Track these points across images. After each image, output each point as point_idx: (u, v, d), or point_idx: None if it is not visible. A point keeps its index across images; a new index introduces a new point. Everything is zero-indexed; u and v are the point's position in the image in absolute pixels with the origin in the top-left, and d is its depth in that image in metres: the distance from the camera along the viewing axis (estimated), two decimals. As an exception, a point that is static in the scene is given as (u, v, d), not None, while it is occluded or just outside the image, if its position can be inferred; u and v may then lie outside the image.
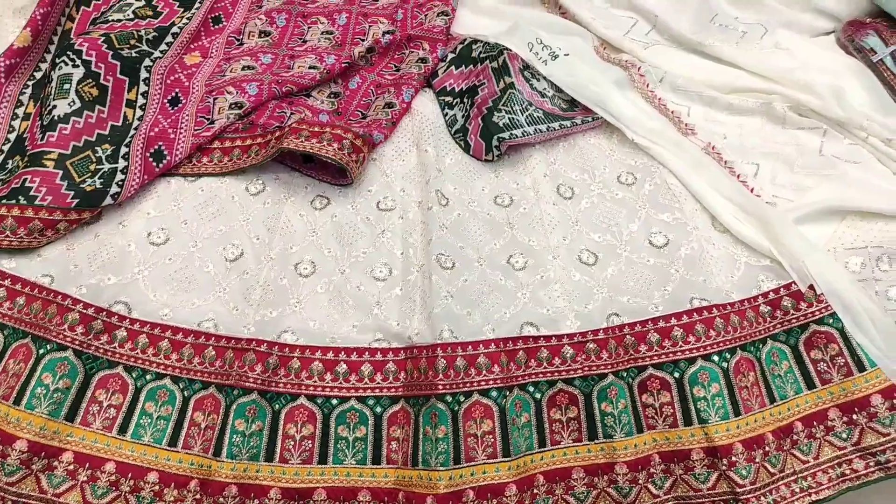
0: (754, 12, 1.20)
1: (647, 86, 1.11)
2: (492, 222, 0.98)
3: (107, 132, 1.00)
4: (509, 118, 1.02)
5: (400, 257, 0.95)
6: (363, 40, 1.17)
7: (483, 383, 0.84)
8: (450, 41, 1.17)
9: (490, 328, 0.87)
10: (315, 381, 0.85)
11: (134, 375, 0.85)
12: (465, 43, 1.15)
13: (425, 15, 1.18)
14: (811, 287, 0.92)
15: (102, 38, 1.04)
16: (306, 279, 0.93)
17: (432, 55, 1.13)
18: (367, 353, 0.87)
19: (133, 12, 1.14)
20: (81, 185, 0.93)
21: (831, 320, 0.90)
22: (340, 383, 0.85)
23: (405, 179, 1.02)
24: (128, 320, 0.88)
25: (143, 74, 1.04)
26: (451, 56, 1.14)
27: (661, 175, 1.04)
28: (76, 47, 1.01)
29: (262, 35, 1.18)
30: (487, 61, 1.09)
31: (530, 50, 1.10)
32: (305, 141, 0.96)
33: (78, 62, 1.00)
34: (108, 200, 0.93)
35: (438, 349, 0.84)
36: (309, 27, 1.19)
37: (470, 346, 0.85)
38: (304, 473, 0.82)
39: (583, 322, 0.89)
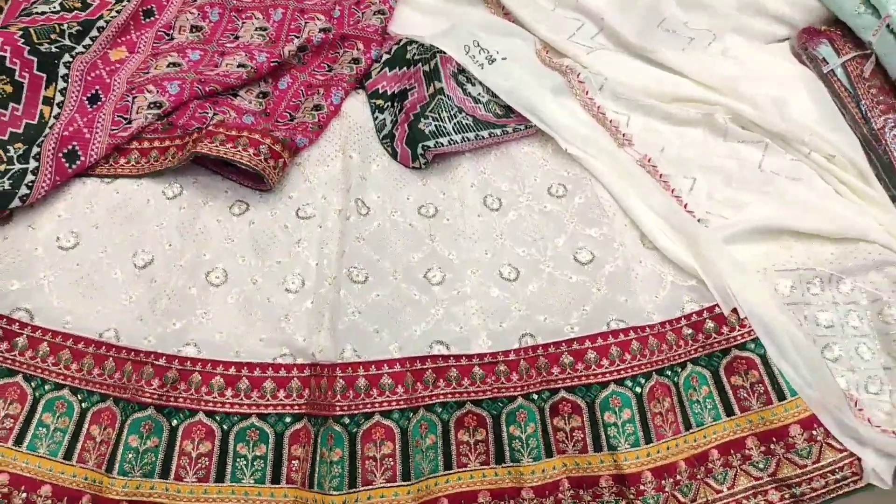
0: (705, 16, 1.16)
1: (587, 93, 1.08)
2: (413, 233, 0.96)
3: (20, 130, 0.97)
4: (436, 125, 0.99)
5: (314, 268, 0.92)
6: (297, 37, 1.13)
7: (385, 404, 0.82)
8: (386, 41, 1.13)
9: (397, 346, 0.85)
10: (215, 397, 0.83)
11: (33, 385, 0.83)
12: (401, 44, 1.11)
13: (362, 13, 1.14)
14: (734, 310, 0.89)
15: (20, 33, 1.00)
16: (217, 288, 0.90)
17: (366, 56, 1.09)
18: (270, 368, 0.85)
19: (60, 4, 1.10)
20: (-11, 187, 0.90)
21: (753, 346, 0.88)
22: (242, 399, 0.83)
23: (328, 186, 0.99)
24: (29, 327, 0.85)
25: (62, 71, 1.01)
26: (385, 57, 1.11)
27: (592, 188, 1.01)
28: (-10, 42, 0.97)
29: (194, 30, 1.14)
30: (420, 64, 1.06)
31: (466, 53, 1.06)
32: (220, 145, 0.93)
33: (-9, 57, 0.97)
34: (17, 202, 0.90)
35: (338, 369, 0.82)
36: (243, 23, 1.16)
37: (373, 366, 0.83)
38: (199, 491, 0.80)
39: (494, 342, 0.86)
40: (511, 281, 0.92)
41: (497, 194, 1.00)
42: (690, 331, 0.90)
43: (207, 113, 1.02)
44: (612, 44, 1.15)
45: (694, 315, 0.90)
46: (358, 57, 1.09)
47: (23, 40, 0.99)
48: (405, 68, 1.08)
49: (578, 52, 1.12)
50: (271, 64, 1.06)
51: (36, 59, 0.99)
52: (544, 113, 1.02)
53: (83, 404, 0.83)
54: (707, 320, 0.90)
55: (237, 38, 1.14)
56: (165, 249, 0.93)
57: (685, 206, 0.99)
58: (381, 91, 1.08)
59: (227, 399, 0.83)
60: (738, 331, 0.89)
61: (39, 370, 0.84)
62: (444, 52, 1.06)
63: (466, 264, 0.93)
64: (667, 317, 0.90)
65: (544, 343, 0.87)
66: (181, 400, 0.83)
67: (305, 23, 1.15)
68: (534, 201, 0.99)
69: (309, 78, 1.09)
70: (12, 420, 0.81)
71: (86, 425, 0.82)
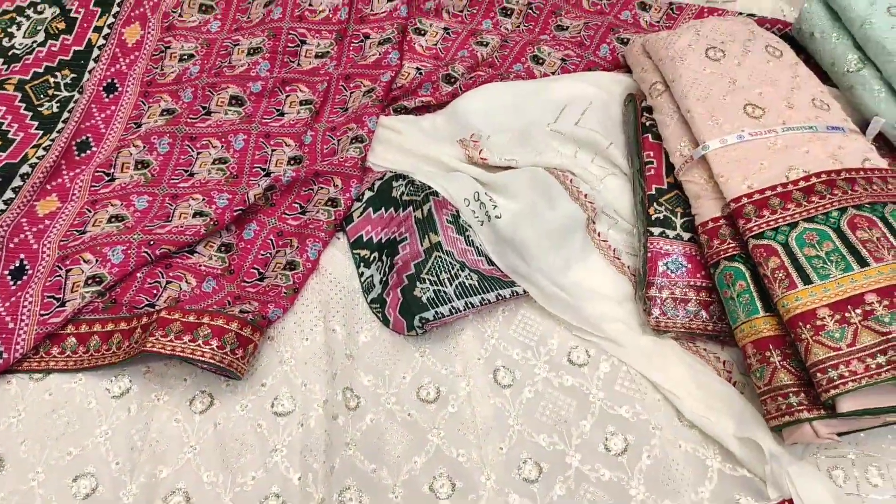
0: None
1: (599, 235, 0.94)
2: (413, 428, 0.80)
3: (-74, 322, 0.79)
4: (434, 291, 0.84)
5: (297, 485, 0.76)
6: (264, 169, 0.97)
7: None
8: (367, 173, 0.98)
9: None
10: None
11: None
12: (385, 178, 0.96)
13: (338, 140, 0.98)
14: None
15: (-78, 196, 0.83)
16: (178, 520, 0.74)
17: (344, 196, 0.93)
18: None
19: (-26, 144, 0.93)
20: None
21: (819, 555, 0.75)
22: None
23: (308, 367, 0.83)
24: None
25: (-23, 240, 0.84)
26: (368, 194, 0.95)
27: (619, 351, 0.87)
28: None
29: (140, 166, 0.97)
30: (411, 208, 0.90)
31: (467, 206, 0.91)
32: (175, 339, 0.76)
33: None
34: (-79, 424, 0.73)
35: None
36: (198, 153, 0.99)
37: None
38: None
39: (521, 576, 0.72)
40: (533, 482, 0.78)
41: (509, 365, 0.85)
42: (746, 533, 0.76)
43: (159, 282, 0.85)
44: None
45: (750, 516, 0.77)
46: (335, 197, 0.93)
47: (-74, 207, 0.82)
48: (392, 210, 0.93)
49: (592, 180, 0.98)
50: (234, 213, 0.90)
51: (-57, 231, 0.82)
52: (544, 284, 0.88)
53: None
54: (766, 522, 0.77)
55: (192, 175, 0.97)
56: (112, 470, 0.76)
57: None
58: (365, 239, 0.92)
59: None
60: (802, 537, 0.75)
61: None
62: (437, 195, 0.91)
63: (479, 467, 0.78)
64: (718, 518, 0.77)
65: (580, 574, 0.73)
66: None
67: (272, 150, 0.99)
68: (552, 373, 0.85)
69: (279, 223, 0.93)
70: None
71: None
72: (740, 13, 1.21)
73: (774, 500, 0.77)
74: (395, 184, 0.94)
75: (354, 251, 0.91)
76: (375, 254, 0.90)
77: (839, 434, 0.78)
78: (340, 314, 0.87)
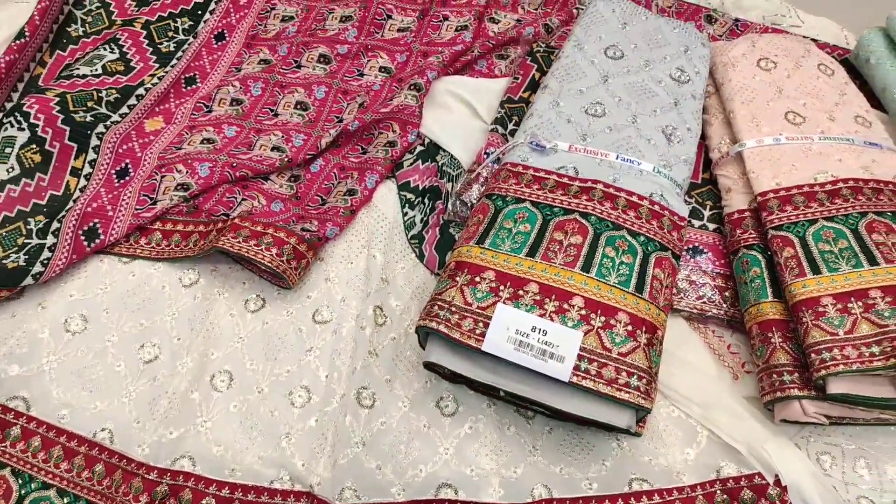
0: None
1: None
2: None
3: (44, 202, 0.95)
4: (468, 232, 0.94)
5: (323, 381, 0.87)
6: (339, 118, 1.10)
7: (382, 551, 0.76)
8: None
9: (400, 489, 0.79)
10: (204, 519, 0.78)
11: (20, 481, 0.80)
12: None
13: (400, 89, 1.09)
14: (777, 482, 0.81)
15: (57, 100, 0.99)
16: (220, 394, 0.86)
17: (402, 139, 1.04)
18: (265, 493, 0.79)
19: (103, 67, 1.09)
20: (4, 262, 0.88)
21: (792, 527, 0.79)
22: (232, 524, 0.78)
23: (349, 286, 0.94)
24: (24, 417, 0.82)
25: (94, 142, 0.99)
26: (419, 148, 1.06)
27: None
28: (25, 109, 0.96)
29: (234, 103, 1.11)
30: (445, 180, 1.03)
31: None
32: (243, 242, 0.89)
33: (24, 125, 0.96)
34: (29, 280, 0.88)
35: (335, 510, 0.76)
36: (283, 96, 1.12)
37: (372, 509, 0.77)
38: None
39: (507, 491, 0.79)
40: (528, 418, 0.86)
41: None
42: (725, 497, 0.81)
43: (235, 197, 0.98)
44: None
45: (731, 480, 0.82)
46: (394, 140, 1.05)
47: (58, 108, 0.98)
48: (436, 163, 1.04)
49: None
50: (306, 156, 1.02)
51: (68, 129, 0.98)
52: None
53: (68, 509, 0.79)
54: (745, 489, 0.81)
55: (276, 115, 1.10)
56: (173, 344, 0.89)
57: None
58: (412, 185, 1.02)
59: (217, 523, 0.78)
60: (778, 508, 0.80)
61: (29, 465, 0.80)
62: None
63: (482, 394, 0.87)
64: (699, 479, 0.82)
65: (559, 497, 0.80)
66: (168, 519, 0.78)
67: (347, 104, 1.12)
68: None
69: (342, 161, 1.05)
70: (-3, 516, 0.78)
71: (67, 533, 0.78)
72: (804, 37, 1.26)
73: (756, 470, 0.82)
74: (441, 151, 1.05)
75: (401, 193, 1.02)
76: (420, 198, 1.01)
77: (832, 422, 0.82)
78: (382, 244, 0.97)
